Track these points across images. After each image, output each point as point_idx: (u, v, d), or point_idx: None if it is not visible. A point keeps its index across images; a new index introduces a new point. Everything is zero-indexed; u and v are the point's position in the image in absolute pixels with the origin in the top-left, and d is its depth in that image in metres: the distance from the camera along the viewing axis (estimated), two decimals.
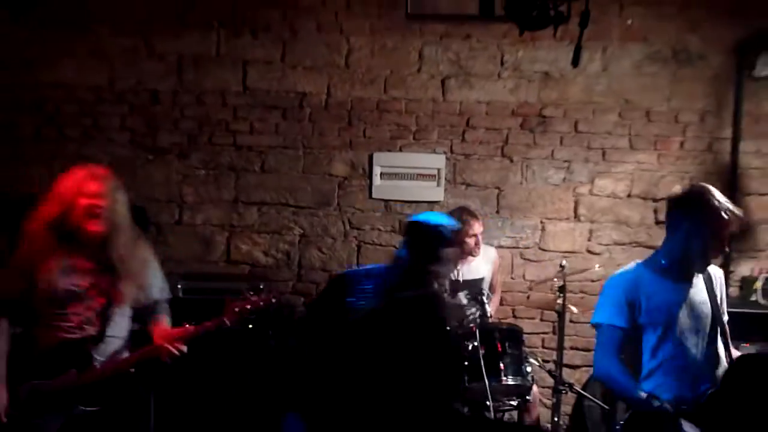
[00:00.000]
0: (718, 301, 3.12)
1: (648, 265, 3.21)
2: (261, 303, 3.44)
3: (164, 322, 3.47)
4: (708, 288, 3.12)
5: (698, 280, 3.13)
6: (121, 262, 3.27)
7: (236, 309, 3.40)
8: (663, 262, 3.15)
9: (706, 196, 3.02)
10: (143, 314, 3.46)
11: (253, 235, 5.36)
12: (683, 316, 3.09)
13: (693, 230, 3.02)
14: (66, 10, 5.15)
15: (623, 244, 5.35)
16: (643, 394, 3.10)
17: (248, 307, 3.42)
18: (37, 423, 3.27)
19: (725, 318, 3.18)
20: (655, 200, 5.32)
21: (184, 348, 3.34)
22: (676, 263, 3.10)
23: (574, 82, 5.24)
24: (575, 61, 3.61)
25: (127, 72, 5.28)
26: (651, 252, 4.97)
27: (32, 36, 5.22)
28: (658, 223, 5.31)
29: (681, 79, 5.23)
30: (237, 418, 4.86)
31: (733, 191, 5.17)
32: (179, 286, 4.82)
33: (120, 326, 3.33)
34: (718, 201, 3.00)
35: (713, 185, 4.93)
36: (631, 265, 3.28)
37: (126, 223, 3.33)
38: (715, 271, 3.22)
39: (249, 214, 5.34)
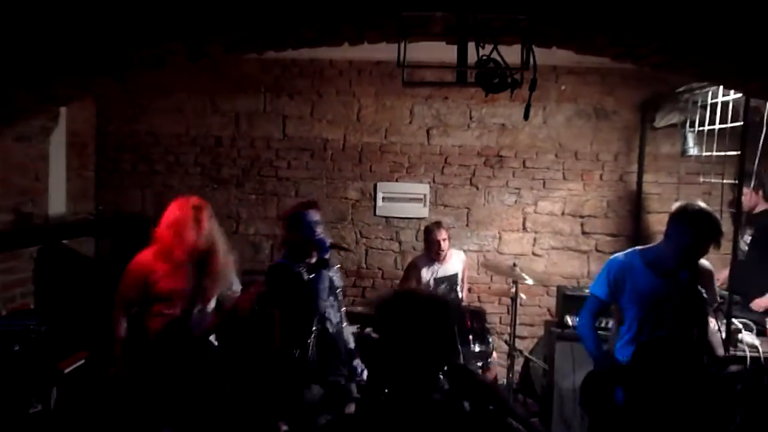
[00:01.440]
0: (701, 293, 2.98)
1: (641, 255, 3.16)
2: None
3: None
4: (692, 282, 2.99)
5: (682, 275, 3.01)
6: (217, 270, 3.38)
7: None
8: (652, 256, 3.13)
9: (691, 212, 2.96)
10: (221, 301, 3.53)
11: None
12: (658, 302, 3.03)
13: (677, 238, 3.00)
14: (156, 80, 5.37)
15: (558, 249, 5.61)
16: (601, 355, 3.17)
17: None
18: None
19: (715, 305, 3.16)
20: (581, 216, 5.58)
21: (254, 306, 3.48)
22: (661, 259, 3.08)
23: (522, 131, 5.51)
24: (526, 116, 3.21)
25: (198, 123, 5.62)
26: (577, 254, 5.65)
27: (131, 98, 5.50)
28: (584, 233, 5.57)
29: (600, 129, 5.51)
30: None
31: (638, 210, 5.47)
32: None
33: (207, 312, 3.45)
34: (700, 218, 2.94)
35: (624, 207, 5.57)
36: (628, 251, 3.24)
37: (221, 240, 3.46)
38: (705, 267, 3.14)
39: None
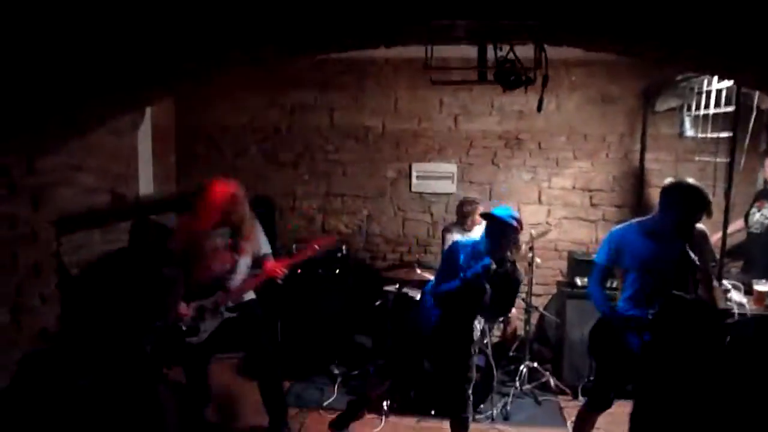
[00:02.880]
0: (693, 257, 2.94)
1: (638, 225, 3.13)
2: (320, 245, 3.74)
3: (270, 261, 3.73)
4: (686, 247, 2.95)
5: (676, 242, 2.96)
6: (244, 233, 3.57)
7: (315, 246, 3.72)
8: (648, 226, 3.09)
9: (683, 187, 2.95)
10: (257, 260, 3.71)
11: (338, 215, 5.69)
12: (653, 266, 3.00)
13: (670, 209, 2.98)
14: (223, 80, 5.10)
15: (569, 218, 5.53)
16: (608, 310, 3.15)
17: (316, 246, 3.71)
18: (204, 327, 3.57)
19: (713, 264, 3.11)
20: (590, 190, 5.48)
21: (285, 270, 3.62)
22: (657, 229, 3.04)
23: (538, 116, 5.24)
24: (539, 108, 3.50)
25: (259, 115, 5.65)
26: (586, 223, 5.58)
27: (203, 95, 5.47)
28: (592, 205, 5.49)
29: (606, 114, 5.39)
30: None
31: (641, 184, 5.35)
32: (294, 246, 5.13)
33: (243, 267, 3.62)
34: (692, 191, 2.92)
35: (628, 182, 5.48)
36: (626, 223, 3.21)
37: (248, 212, 3.61)
38: (699, 229, 3.06)
39: (336, 202, 5.68)
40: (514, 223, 3.16)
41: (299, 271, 4.98)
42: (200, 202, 3.47)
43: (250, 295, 3.77)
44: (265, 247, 3.78)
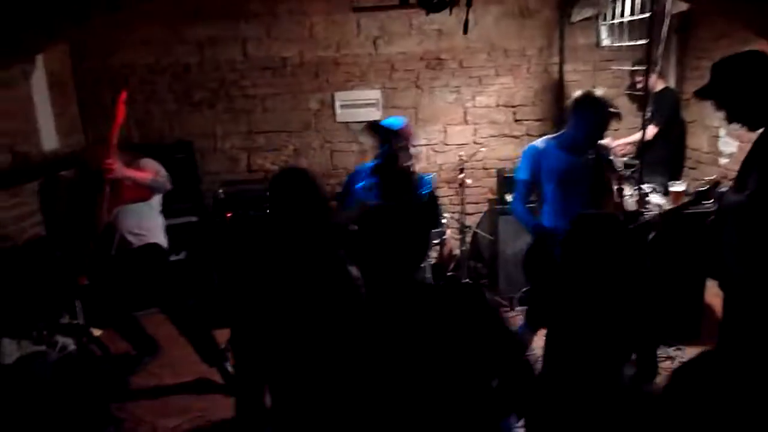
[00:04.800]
0: (604, 165, 3.11)
1: (553, 140, 3.22)
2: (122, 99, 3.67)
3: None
4: (597, 157, 3.11)
5: (588, 153, 3.10)
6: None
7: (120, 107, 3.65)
8: (562, 139, 3.18)
9: (590, 100, 3.02)
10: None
11: (263, 153, 5.46)
12: (569, 177, 3.10)
13: (581, 122, 3.07)
14: (120, 17, 4.77)
15: (495, 136, 5.58)
16: (533, 225, 3.28)
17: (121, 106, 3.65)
18: None
19: (620, 170, 3.24)
20: (513, 107, 5.52)
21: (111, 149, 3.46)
22: (570, 142, 3.13)
23: (457, 35, 4.97)
24: (465, 31, 3.49)
25: (167, 53, 5.23)
26: (511, 139, 5.69)
27: (99, 35, 5.01)
28: (516, 121, 5.56)
29: (525, 27, 5.35)
30: None
31: (561, 96, 5.36)
32: (220, 191, 4.94)
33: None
34: (598, 104, 3.00)
35: (549, 95, 5.57)
36: (542, 139, 3.29)
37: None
38: (608, 143, 3.24)
39: (259, 139, 5.46)
40: (396, 128, 3.25)
41: (229, 215, 4.90)
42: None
43: (155, 239, 3.71)
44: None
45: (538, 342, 2.57)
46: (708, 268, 3.79)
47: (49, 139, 4.42)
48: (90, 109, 5.22)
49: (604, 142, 3.23)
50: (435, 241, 4.95)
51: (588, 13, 4.98)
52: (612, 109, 3.06)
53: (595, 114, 3.03)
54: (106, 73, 5.22)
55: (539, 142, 3.26)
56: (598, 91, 3.08)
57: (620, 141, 4.93)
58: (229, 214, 4.89)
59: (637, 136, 4.77)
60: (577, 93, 3.12)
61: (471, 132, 5.62)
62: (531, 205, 3.43)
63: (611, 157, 3.28)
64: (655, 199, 4.03)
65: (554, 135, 3.27)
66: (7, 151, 3.86)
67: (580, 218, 2.43)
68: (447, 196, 5.67)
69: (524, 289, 4.53)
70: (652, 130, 4.81)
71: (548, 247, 3.14)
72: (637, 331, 2.33)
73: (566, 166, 3.13)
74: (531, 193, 3.34)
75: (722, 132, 4.93)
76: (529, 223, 3.31)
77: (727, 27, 4.68)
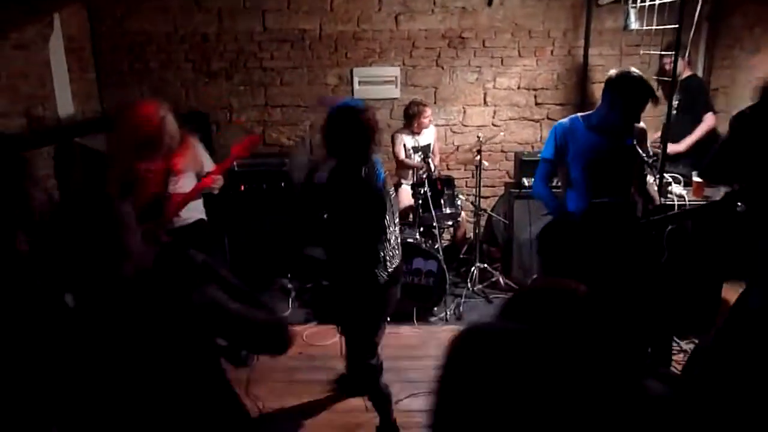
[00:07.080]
0: (638, 150, 2.93)
1: (582, 120, 3.04)
2: (245, 146, 3.30)
3: None
4: (629, 140, 2.94)
5: (622, 135, 2.94)
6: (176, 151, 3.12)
7: (239, 147, 3.29)
8: (593, 120, 3.01)
9: (629, 79, 2.85)
10: (200, 177, 3.34)
11: (279, 127, 5.44)
12: (599, 159, 2.95)
13: (617, 102, 2.88)
14: None
15: (515, 119, 5.48)
16: (555, 207, 3.13)
17: (240, 148, 3.29)
18: None
19: (650, 161, 3.00)
20: (534, 89, 5.41)
21: (218, 179, 3.28)
22: (602, 123, 2.96)
23: (481, 13, 5.20)
24: (490, 2, 3.29)
25: (186, 21, 5.17)
26: (531, 123, 5.61)
27: (121, 1, 5.06)
28: (537, 104, 5.44)
29: (551, 9, 5.23)
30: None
31: (584, 80, 5.32)
32: (234, 164, 4.73)
33: (184, 186, 3.27)
34: (638, 83, 2.84)
35: (572, 79, 5.46)
36: (571, 117, 3.10)
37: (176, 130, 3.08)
38: (639, 126, 3.02)
39: (275, 113, 5.41)
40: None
41: (242, 188, 4.90)
42: (124, 133, 3.02)
43: (198, 215, 3.49)
44: (208, 164, 3.47)
45: None
46: (732, 270, 3.70)
47: (65, 105, 4.42)
48: (107, 77, 5.21)
49: (638, 125, 3.04)
50: (449, 223, 4.96)
51: None
52: (650, 88, 2.87)
53: (633, 94, 2.84)
54: (124, 40, 5.21)
55: (567, 120, 3.08)
56: (634, 70, 2.88)
57: (687, 141, 4.72)
58: (242, 188, 4.89)
59: (699, 132, 4.66)
60: (613, 71, 2.94)
61: (490, 114, 5.54)
62: (554, 189, 3.31)
63: (644, 146, 3.09)
64: (677, 189, 3.95)
65: (583, 114, 3.09)
66: (22, 115, 3.84)
67: (593, 207, 2.32)
68: (463, 178, 5.66)
69: (536, 276, 4.47)
70: (711, 119, 4.67)
71: (566, 231, 3.06)
72: (651, 323, 2.28)
73: (596, 147, 2.96)
74: (554, 174, 3.18)
75: None
76: (552, 204, 3.16)
77: (761, 15, 4.54)
